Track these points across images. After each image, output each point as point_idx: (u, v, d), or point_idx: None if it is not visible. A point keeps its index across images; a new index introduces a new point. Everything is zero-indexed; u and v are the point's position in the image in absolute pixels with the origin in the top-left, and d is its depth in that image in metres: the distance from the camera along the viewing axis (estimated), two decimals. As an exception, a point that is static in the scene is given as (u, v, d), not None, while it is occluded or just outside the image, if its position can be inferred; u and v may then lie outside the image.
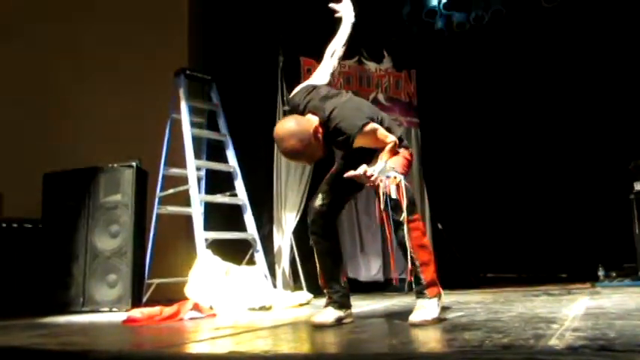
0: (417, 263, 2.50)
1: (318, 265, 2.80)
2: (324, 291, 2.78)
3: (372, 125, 2.53)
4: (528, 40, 6.29)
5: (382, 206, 2.44)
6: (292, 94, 2.77)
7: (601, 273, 4.99)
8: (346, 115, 2.53)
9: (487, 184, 6.40)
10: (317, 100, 2.62)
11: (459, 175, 6.42)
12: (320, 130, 2.53)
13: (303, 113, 2.61)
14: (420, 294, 2.51)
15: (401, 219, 2.44)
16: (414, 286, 2.56)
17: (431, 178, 6.09)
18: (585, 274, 5.23)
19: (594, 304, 2.94)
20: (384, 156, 2.53)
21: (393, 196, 2.43)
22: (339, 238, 2.86)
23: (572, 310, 2.69)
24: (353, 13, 2.94)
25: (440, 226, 6.04)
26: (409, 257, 2.49)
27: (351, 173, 2.43)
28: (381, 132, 2.57)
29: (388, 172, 2.48)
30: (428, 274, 2.52)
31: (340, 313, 2.70)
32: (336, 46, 2.89)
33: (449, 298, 4.08)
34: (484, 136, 6.48)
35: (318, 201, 2.77)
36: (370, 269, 5.76)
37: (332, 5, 2.99)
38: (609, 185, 5.43)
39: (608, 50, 5.86)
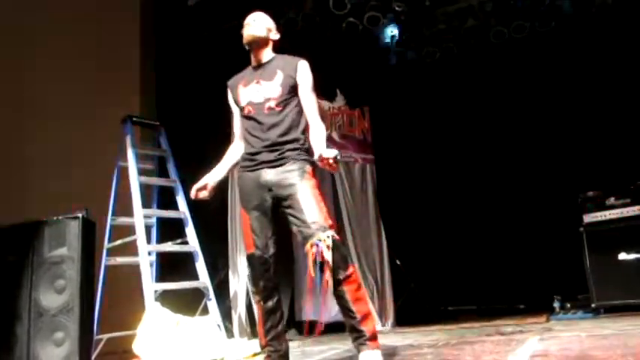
0: (358, 317, 2.47)
1: (262, 324, 2.67)
2: (264, 350, 2.69)
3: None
4: (479, 75, 6.46)
5: (313, 272, 2.41)
6: None
7: (556, 304, 5.05)
8: None
9: (443, 218, 6.47)
10: None
11: (416, 209, 6.48)
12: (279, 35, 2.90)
13: None
14: (362, 345, 2.48)
15: (333, 277, 2.41)
16: (352, 338, 2.54)
17: (387, 213, 6.09)
18: (542, 305, 5.29)
19: (540, 349, 2.94)
20: (322, 140, 2.67)
21: (327, 257, 2.39)
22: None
23: (517, 357, 2.69)
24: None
25: (398, 262, 6.03)
26: (348, 311, 2.47)
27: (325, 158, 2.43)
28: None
29: (319, 235, 2.44)
30: (369, 326, 2.50)
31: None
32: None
33: (407, 335, 4.07)
34: (439, 170, 6.59)
35: (260, 251, 2.60)
36: (330, 310, 5.67)
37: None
38: (562, 217, 5.51)
39: (557, 85, 6.04)
